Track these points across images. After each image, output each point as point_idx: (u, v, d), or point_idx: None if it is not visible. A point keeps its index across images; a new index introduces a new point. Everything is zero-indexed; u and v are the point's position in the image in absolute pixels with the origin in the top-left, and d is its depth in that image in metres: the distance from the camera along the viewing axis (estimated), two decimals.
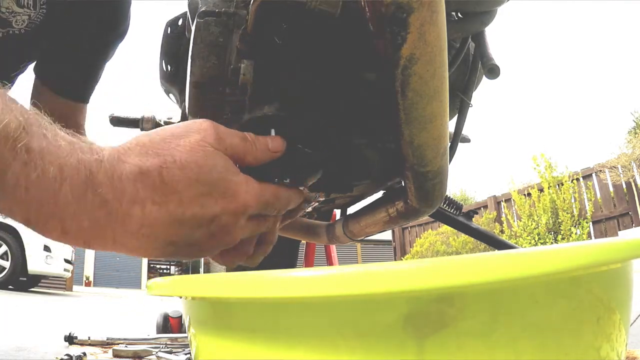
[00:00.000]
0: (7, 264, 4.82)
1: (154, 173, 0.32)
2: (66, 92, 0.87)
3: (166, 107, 0.79)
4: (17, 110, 0.29)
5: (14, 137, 0.28)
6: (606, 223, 5.73)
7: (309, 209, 0.74)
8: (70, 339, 1.52)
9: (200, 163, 0.33)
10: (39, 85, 0.87)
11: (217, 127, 0.36)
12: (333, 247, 1.57)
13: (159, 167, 0.32)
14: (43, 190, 0.29)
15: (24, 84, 0.91)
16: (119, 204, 0.31)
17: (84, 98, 0.91)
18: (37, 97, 0.87)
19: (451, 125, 0.54)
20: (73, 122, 0.90)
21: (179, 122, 0.68)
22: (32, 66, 0.89)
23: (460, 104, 0.56)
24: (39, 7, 0.76)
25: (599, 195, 5.87)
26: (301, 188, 0.44)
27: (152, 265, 18.95)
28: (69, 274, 6.00)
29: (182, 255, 0.35)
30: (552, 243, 5.67)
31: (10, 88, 0.30)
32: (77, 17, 0.82)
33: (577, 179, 6.00)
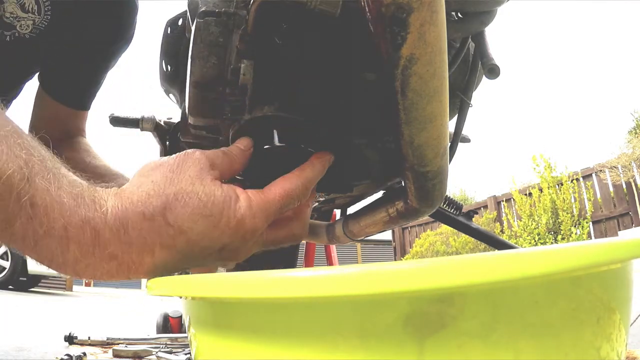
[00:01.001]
0: (7, 264, 4.82)
1: (158, 217, 0.32)
2: (68, 101, 0.90)
3: (166, 107, 0.79)
4: (22, 158, 0.29)
5: (17, 189, 0.28)
6: (606, 223, 5.73)
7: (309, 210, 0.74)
8: (70, 339, 1.52)
9: (201, 196, 0.33)
10: (42, 91, 0.89)
11: (208, 154, 0.37)
12: (333, 247, 1.57)
13: (162, 210, 0.32)
14: (51, 247, 0.29)
15: (31, 88, 0.94)
16: (129, 256, 0.31)
17: (85, 106, 0.93)
18: (40, 103, 0.89)
19: (451, 125, 0.54)
20: (74, 127, 0.92)
21: (179, 122, 0.68)
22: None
23: (460, 104, 0.56)
24: (43, 13, 0.77)
25: (599, 195, 5.87)
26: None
27: None
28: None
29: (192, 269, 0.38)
30: (552, 243, 5.67)
31: (16, 97, 0.31)
32: (82, 24, 0.83)
33: (577, 179, 6.00)
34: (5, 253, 4.82)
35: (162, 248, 0.32)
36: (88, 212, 0.30)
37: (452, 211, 0.73)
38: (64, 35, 0.82)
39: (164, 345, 1.41)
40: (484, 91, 0.65)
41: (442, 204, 0.62)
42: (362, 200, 0.70)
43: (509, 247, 0.75)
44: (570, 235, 5.64)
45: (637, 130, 7.83)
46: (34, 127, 0.89)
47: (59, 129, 0.89)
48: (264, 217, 0.36)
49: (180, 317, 1.72)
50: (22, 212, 0.28)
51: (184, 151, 0.37)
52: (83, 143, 0.92)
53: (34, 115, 0.90)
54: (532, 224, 6.06)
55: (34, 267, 4.92)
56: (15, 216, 0.28)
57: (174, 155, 0.37)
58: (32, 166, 0.29)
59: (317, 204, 0.73)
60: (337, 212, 0.95)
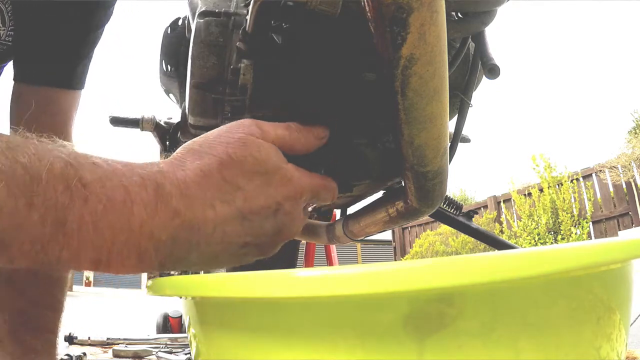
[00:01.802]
0: None
1: (215, 173, 0.32)
2: (46, 79, 0.78)
3: (166, 107, 0.79)
4: (55, 148, 0.27)
5: (63, 177, 0.25)
6: (606, 223, 5.73)
7: (309, 209, 0.74)
8: (70, 339, 1.52)
9: (255, 155, 0.34)
10: (20, 87, 0.79)
11: (259, 123, 0.36)
12: (333, 247, 1.57)
13: (218, 166, 0.32)
14: (114, 220, 0.27)
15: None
16: (192, 211, 0.30)
17: (70, 84, 0.81)
18: (17, 101, 0.78)
19: (451, 125, 0.54)
20: (59, 112, 0.80)
21: (179, 122, 0.68)
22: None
23: (460, 104, 0.56)
24: (7, 26, 0.73)
25: (599, 195, 5.87)
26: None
27: None
28: (69, 274, 5.99)
29: (250, 258, 0.36)
30: (552, 243, 5.67)
31: None
32: (51, 27, 0.75)
33: (577, 179, 6.00)
34: None
35: (223, 203, 0.32)
36: (144, 170, 0.29)
37: (452, 211, 0.73)
38: (34, 40, 0.75)
39: (164, 345, 1.41)
40: (484, 91, 0.65)
41: (442, 204, 0.62)
42: (362, 200, 0.70)
43: (509, 247, 0.75)
44: (570, 235, 5.64)
45: (637, 130, 7.83)
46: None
47: (44, 128, 0.80)
48: (309, 182, 0.37)
49: (180, 317, 1.72)
50: (74, 198, 0.25)
51: (234, 122, 0.37)
52: None
53: (12, 120, 0.79)
54: (531, 224, 6.06)
55: None
56: (68, 209, 0.25)
57: (222, 126, 0.37)
58: (70, 151, 0.28)
59: (317, 204, 0.73)
60: (337, 212, 0.95)
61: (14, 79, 0.80)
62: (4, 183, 0.23)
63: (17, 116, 0.78)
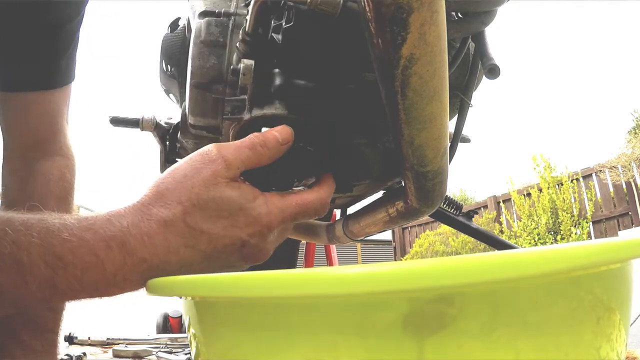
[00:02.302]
0: None
1: (179, 222, 0.35)
2: (22, 85, 0.73)
3: (166, 107, 0.79)
4: (28, 232, 0.31)
5: (41, 257, 0.31)
6: (606, 223, 5.73)
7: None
8: (70, 339, 1.52)
9: (218, 201, 0.36)
10: (2, 96, 0.74)
11: (224, 155, 0.37)
12: (333, 247, 1.57)
13: (182, 215, 0.35)
14: (92, 277, 0.32)
15: None
16: (157, 258, 0.34)
17: (49, 84, 0.75)
18: (1, 109, 0.74)
19: (451, 125, 0.54)
20: (45, 113, 0.76)
21: (179, 122, 0.68)
22: None
23: (460, 104, 0.56)
24: None
25: (599, 195, 5.87)
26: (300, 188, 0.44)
27: None
28: None
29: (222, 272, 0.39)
30: (552, 243, 5.67)
31: None
32: (15, 30, 0.69)
33: (577, 179, 6.00)
34: None
35: (186, 248, 0.35)
36: (109, 232, 0.33)
37: (452, 211, 0.73)
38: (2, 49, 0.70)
39: (164, 345, 1.41)
40: (484, 91, 0.65)
41: (442, 204, 0.62)
42: (362, 200, 0.70)
43: (509, 247, 0.75)
44: (570, 235, 5.64)
45: (637, 130, 7.83)
46: (6, 147, 0.75)
47: (32, 139, 0.75)
48: (279, 214, 0.38)
49: (180, 317, 1.72)
50: (55, 269, 0.31)
51: (200, 151, 0.38)
52: (55, 169, 0.76)
53: (4, 134, 0.75)
54: (531, 224, 6.05)
55: None
56: (53, 277, 0.31)
57: (187, 158, 0.38)
58: (40, 235, 0.32)
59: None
60: (337, 212, 0.95)
61: None
62: (1, 271, 0.30)
63: (5, 122, 0.76)
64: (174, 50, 0.61)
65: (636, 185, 5.42)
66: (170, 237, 0.34)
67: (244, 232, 0.36)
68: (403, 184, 0.51)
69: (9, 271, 0.30)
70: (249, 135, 0.40)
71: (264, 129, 0.43)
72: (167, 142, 0.73)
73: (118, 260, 0.33)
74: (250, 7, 0.42)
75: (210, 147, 0.38)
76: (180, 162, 0.38)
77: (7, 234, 0.31)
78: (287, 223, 0.39)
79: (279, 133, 0.40)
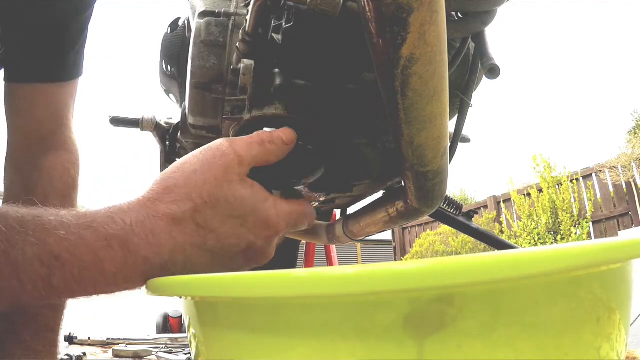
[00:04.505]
0: None
1: (188, 219, 0.33)
2: (32, 76, 0.75)
3: (166, 107, 0.79)
4: (23, 229, 0.30)
5: (36, 256, 0.30)
6: (606, 223, 5.72)
7: None
8: (70, 339, 1.52)
9: (230, 200, 0.34)
10: (7, 86, 0.76)
11: (236, 150, 0.36)
12: (333, 247, 1.57)
13: (192, 212, 0.33)
14: (90, 276, 0.31)
15: None
16: (160, 257, 0.32)
17: (58, 76, 0.77)
18: (9, 100, 0.76)
19: (451, 125, 0.54)
20: (51, 104, 0.77)
21: (179, 122, 0.68)
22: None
23: (460, 104, 0.56)
24: None
25: (598, 195, 5.86)
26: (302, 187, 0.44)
27: None
28: None
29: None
30: (552, 243, 5.67)
31: None
32: (32, 23, 0.71)
33: (577, 179, 6.00)
34: None
35: (194, 247, 0.33)
36: (111, 229, 0.31)
37: (452, 211, 0.73)
38: (18, 41, 0.72)
39: (164, 345, 1.41)
40: (484, 91, 0.65)
41: (442, 204, 0.62)
42: (362, 200, 0.70)
43: (509, 247, 0.75)
44: (570, 235, 5.63)
45: (637, 130, 7.83)
46: (10, 145, 0.76)
47: (37, 132, 0.76)
48: (286, 218, 0.37)
49: (180, 317, 1.72)
50: (51, 268, 0.30)
51: (210, 145, 0.37)
52: (59, 164, 0.76)
53: (8, 118, 0.76)
54: (531, 224, 6.05)
55: None
56: (50, 276, 0.30)
57: (197, 152, 0.37)
58: (35, 233, 0.30)
59: (317, 204, 0.74)
60: (337, 212, 0.95)
61: (4, 80, 0.78)
62: None
63: (12, 114, 0.77)
64: (174, 50, 0.61)
65: (636, 185, 5.42)
66: (177, 236, 0.33)
67: (252, 233, 0.35)
68: (403, 184, 0.51)
69: (2, 270, 0.29)
70: (257, 132, 0.39)
71: (265, 130, 0.43)
72: (167, 142, 0.73)
73: (119, 260, 0.31)
74: (250, 7, 0.42)
75: (221, 141, 0.37)
76: (188, 156, 0.37)
77: (0, 231, 0.30)
78: (290, 228, 0.39)
79: (283, 133, 0.40)
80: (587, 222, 5.70)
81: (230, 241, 0.35)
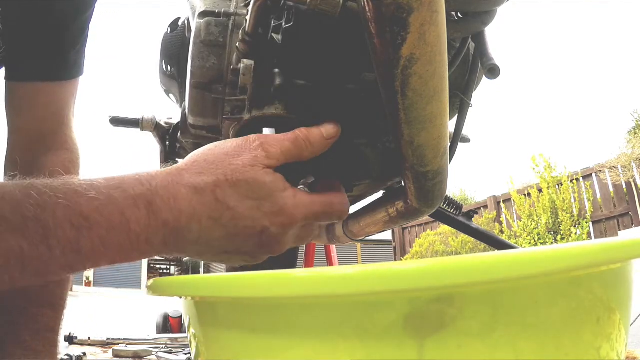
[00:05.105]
0: None
1: (208, 192, 0.35)
2: (32, 75, 0.75)
3: (166, 107, 0.79)
4: (54, 193, 0.31)
5: (66, 218, 0.31)
6: (606, 223, 5.72)
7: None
8: (70, 339, 1.52)
9: (250, 181, 0.36)
10: (7, 85, 0.77)
11: (267, 144, 0.38)
12: (333, 247, 1.57)
13: (212, 186, 0.35)
14: (117, 237, 0.32)
15: None
16: (179, 222, 0.34)
17: (58, 75, 0.77)
18: (9, 99, 0.76)
19: (451, 125, 0.54)
20: (52, 103, 0.77)
21: (178, 122, 0.68)
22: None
23: (460, 104, 0.56)
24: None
25: (598, 195, 5.86)
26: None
27: (152, 266, 18.92)
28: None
29: (234, 262, 0.39)
30: (552, 243, 5.67)
31: None
32: (33, 22, 0.71)
33: (577, 179, 6.00)
34: None
35: (209, 219, 0.35)
36: (138, 190, 0.33)
37: (452, 211, 0.73)
38: (19, 40, 0.72)
39: (164, 345, 1.41)
40: (484, 91, 0.65)
41: (442, 204, 0.62)
42: (362, 200, 0.70)
43: (509, 247, 0.75)
44: (570, 235, 5.63)
45: (637, 130, 7.83)
46: (10, 145, 0.76)
47: (37, 131, 0.76)
48: (304, 210, 0.38)
49: (180, 317, 1.72)
50: (80, 230, 0.31)
51: (243, 137, 0.39)
52: (60, 165, 0.75)
53: (9, 117, 0.76)
54: (531, 224, 6.05)
55: None
56: (78, 239, 0.31)
57: (230, 140, 0.39)
58: (66, 195, 0.31)
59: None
60: None
61: (5, 79, 0.78)
62: (24, 238, 0.30)
63: (12, 113, 0.77)
64: (174, 50, 0.61)
65: (636, 185, 5.42)
66: (196, 205, 0.35)
67: (267, 218, 0.37)
68: (403, 184, 0.51)
69: (32, 237, 0.30)
70: (295, 130, 0.40)
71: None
72: (167, 142, 0.73)
73: (144, 221, 0.33)
74: (250, 7, 0.42)
75: (253, 137, 0.39)
76: (222, 142, 0.39)
77: (31, 196, 0.30)
78: (309, 220, 0.39)
79: (324, 128, 0.41)
80: (587, 222, 5.70)
81: (246, 222, 0.36)
